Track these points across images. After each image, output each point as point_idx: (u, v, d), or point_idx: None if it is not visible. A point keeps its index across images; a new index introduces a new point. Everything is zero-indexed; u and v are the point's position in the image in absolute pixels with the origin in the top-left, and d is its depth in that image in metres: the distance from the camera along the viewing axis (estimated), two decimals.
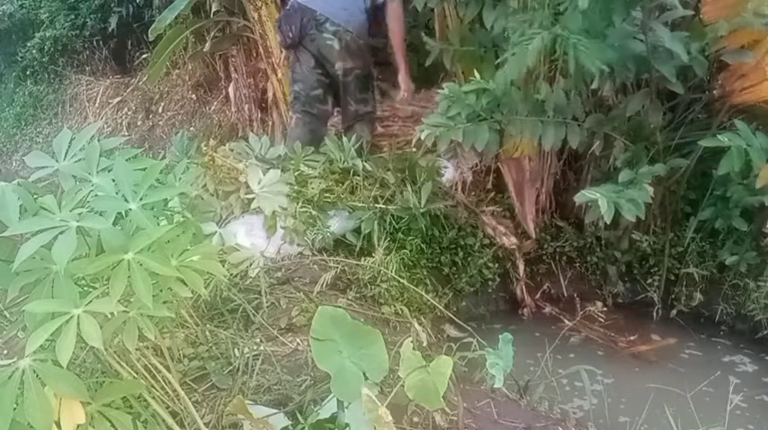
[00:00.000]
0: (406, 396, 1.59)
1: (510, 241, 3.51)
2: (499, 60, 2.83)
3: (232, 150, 3.38)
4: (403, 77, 3.86)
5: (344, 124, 3.96)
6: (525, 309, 3.57)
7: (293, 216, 3.03)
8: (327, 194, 3.20)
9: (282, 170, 3.41)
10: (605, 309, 3.41)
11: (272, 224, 3.00)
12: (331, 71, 3.75)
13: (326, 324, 1.61)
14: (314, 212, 3.09)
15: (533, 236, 3.60)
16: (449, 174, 3.58)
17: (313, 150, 3.48)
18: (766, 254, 3.12)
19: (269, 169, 2.79)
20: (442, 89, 3.10)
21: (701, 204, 3.23)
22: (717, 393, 2.64)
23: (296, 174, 3.23)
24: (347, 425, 1.62)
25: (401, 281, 2.91)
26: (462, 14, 3.36)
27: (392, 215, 3.19)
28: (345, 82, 3.76)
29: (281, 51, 4.19)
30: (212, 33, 5.08)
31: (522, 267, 3.59)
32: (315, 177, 3.26)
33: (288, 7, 3.77)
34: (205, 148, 3.08)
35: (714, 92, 2.99)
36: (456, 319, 2.84)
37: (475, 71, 3.10)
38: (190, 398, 1.66)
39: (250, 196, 2.78)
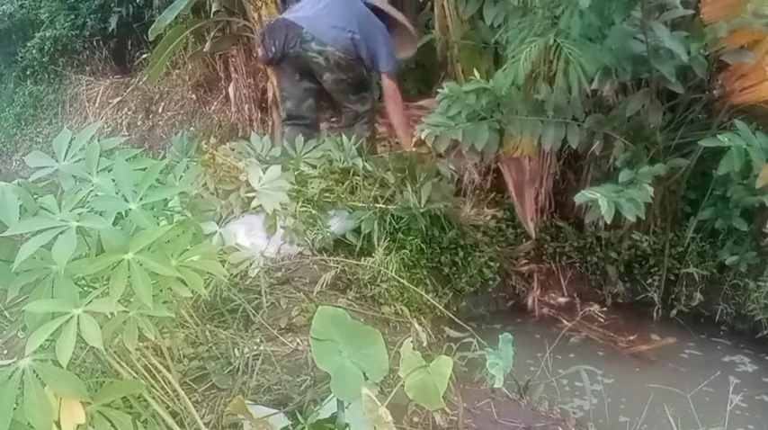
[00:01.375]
0: (406, 396, 1.59)
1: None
2: (504, 68, 2.82)
3: (233, 149, 3.38)
4: (404, 143, 3.82)
5: (344, 124, 3.92)
6: (533, 319, 3.53)
7: (293, 215, 3.03)
8: (327, 194, 3.20)
9: (282, 169, 3.42)
10: (605, 309, 3.41)
11: (272, 223, 2.99)
12: (320, 80, 3.67)
13: (326, 324, 1.61)
14: (314, 212, 3.09)
15: (533, 236, 3.59)
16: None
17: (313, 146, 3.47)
18: (766, 254, 3.12)
19: (269, 167, 2.80)
20: (442, 89, 3.10)
21: (701, 204, 3.23)
22: (717, 393, 2.64)
23: (296, 173, 3.23)
24: (347, 425, 1.62)
25: (401, 281, 2.91)
26: (462, 11, 3.37)
27: (392, 215, 3.19)
28: (336, 90, 3.69)
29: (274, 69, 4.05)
30: (212, 33, 5.08)
31: (535, 278, 3.57)
32: (315, 177, 3.26)
33: (272, 22, 3.70)
34: (206, 146, 3.07)
35: (714, 92, 2.99)
36: (456, 319, 2.83)
37: (474, 70, 3.11)
38: (190, 398, 1.66)
39: (251, 194, 2.79)
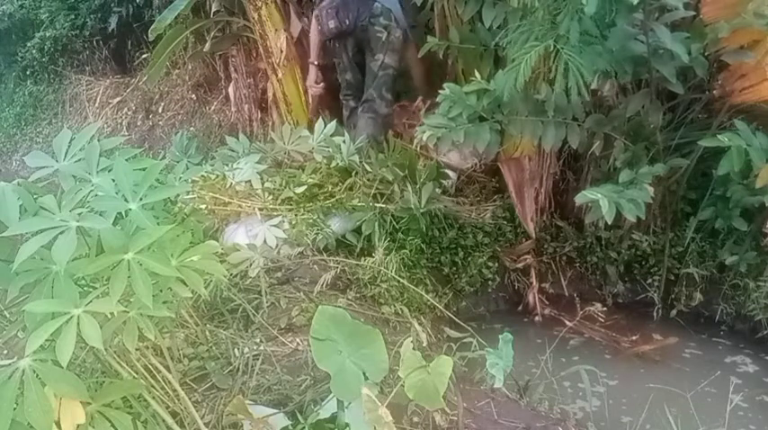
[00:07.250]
0: (406, 396, 1.59)
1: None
2: (507, 69, 2.83)
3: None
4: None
5: (360, 120, 3.94)
6: (536, 317, 3.50)
7: (292, 224, 3.05)
8: (329, 200, 3.20)
9: (280, 165, 3.46)
10: (605, 309, 3.40)
11: None
12: (368, 60, 3.85)
13: (326, 324, 1.61)
14: (314, 218, 3.10)
15: (533, 236, 3.59)
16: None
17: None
18: (766, 254, 3.12)
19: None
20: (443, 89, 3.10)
21: (701, 204, 3.23)
22: (717, 393, 2.64)
23: (298, 193, 3.23)
24: (347, 425, 1.62)
25: (401, 281, 2.91)
26: (461, 12, 3.37)
27: (392, 215, 3.19)
28: (378, 75, 3.84)
29: (333, 43, 4.10)
30: (212, 33, 5.07)
31: (534, 273, 3.56)
32: (314, 185, 3.27)
33: None
34: (198, 195, 3.11)
35: (714, 92, 2.99)
36: (456, 319, 2.83)
37: (475, 71, 3.11)
38: (190, 398, 1.66)
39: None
